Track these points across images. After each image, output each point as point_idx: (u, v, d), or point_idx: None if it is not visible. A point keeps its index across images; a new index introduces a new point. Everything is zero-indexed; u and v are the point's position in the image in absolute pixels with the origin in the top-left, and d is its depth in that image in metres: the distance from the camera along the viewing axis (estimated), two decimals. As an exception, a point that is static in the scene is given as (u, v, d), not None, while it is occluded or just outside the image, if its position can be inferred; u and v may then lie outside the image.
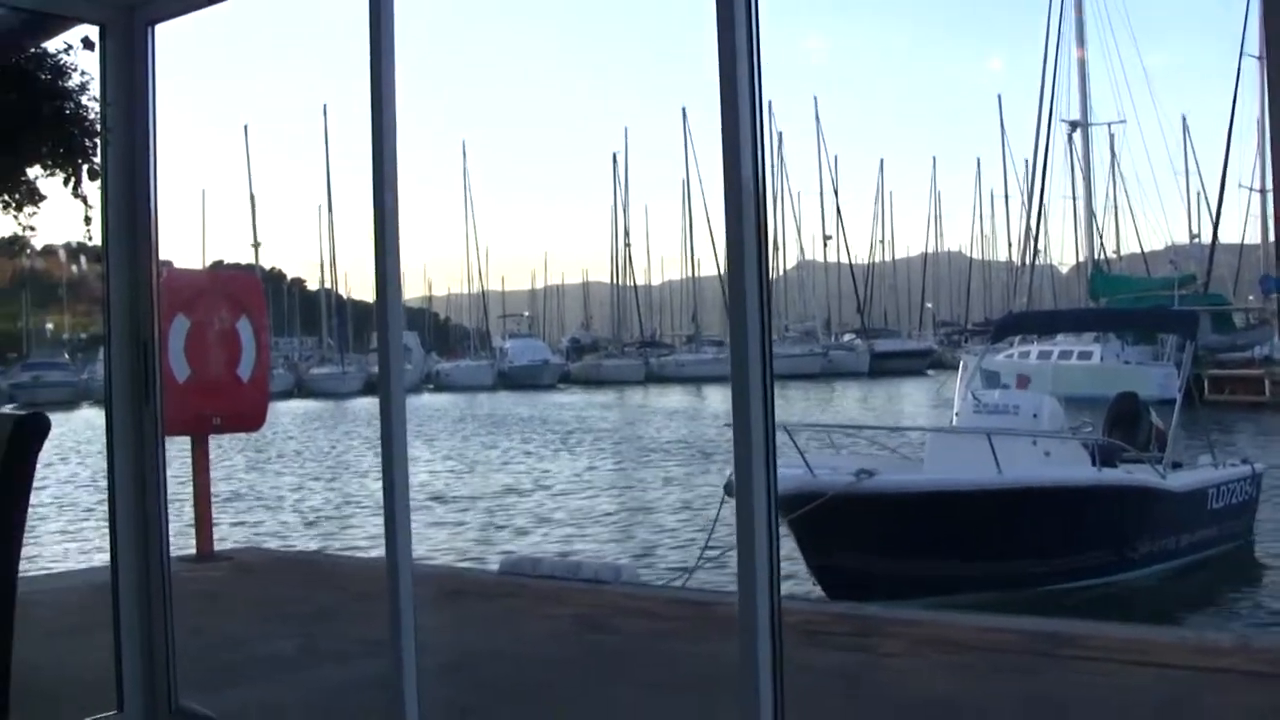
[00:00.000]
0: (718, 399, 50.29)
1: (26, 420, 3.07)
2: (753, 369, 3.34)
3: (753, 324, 3.34)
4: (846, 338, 79.89)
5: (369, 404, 53.48)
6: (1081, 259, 56.57)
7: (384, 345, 4.18)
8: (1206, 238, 56.88)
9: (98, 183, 4.67)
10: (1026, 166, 60.25)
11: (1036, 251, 59.04)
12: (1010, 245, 78.16)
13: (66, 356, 72.71)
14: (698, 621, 7.70)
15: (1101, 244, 57.21)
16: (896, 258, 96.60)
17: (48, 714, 4.90)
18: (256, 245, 75.11)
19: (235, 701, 5.52)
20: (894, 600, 10.59)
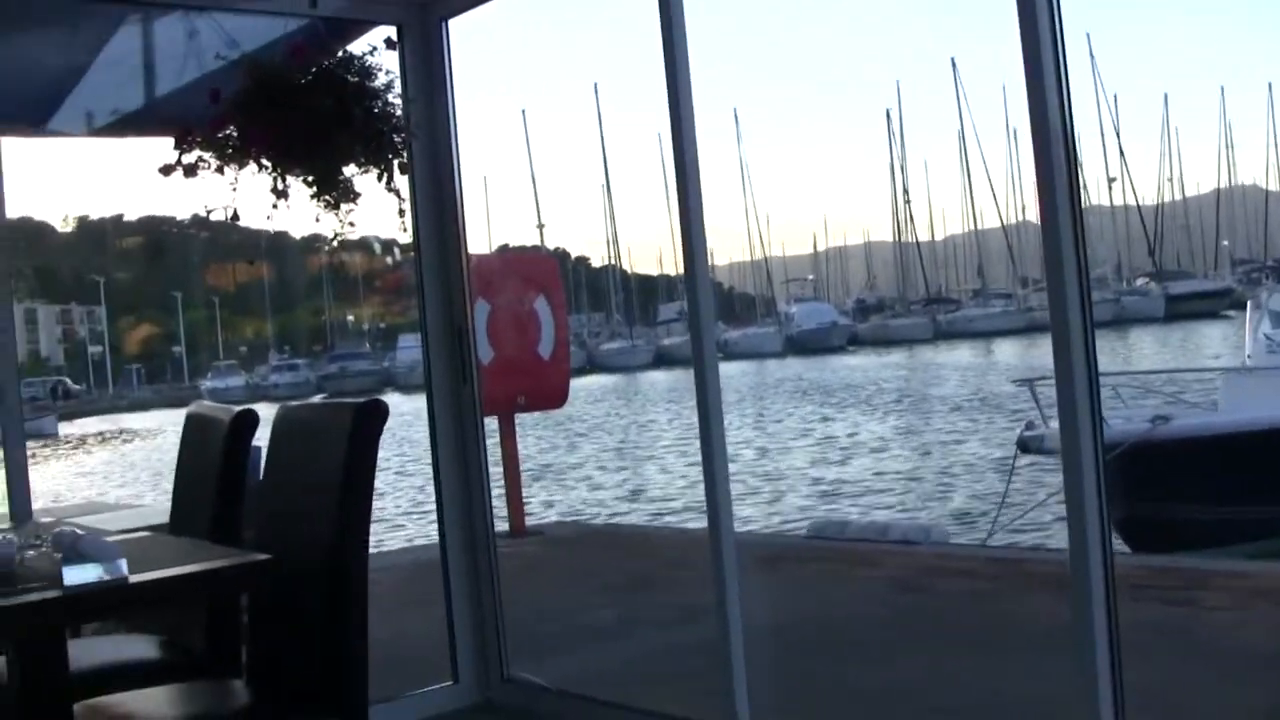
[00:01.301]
0: (1008, 353, 49.26)
1: (367, 406, 3.22)
2: (1073, 318, 3.27)
3: (1069, 272, 3.27)
4: (1139, 282, 77.06)
5: (659, 377, 54.12)
6: (1395, 179, 53.01)
7: (695, 318, 4.23)
8: None
9: (407, 177, 4.83)
10: (1325, 85, 56.68)
11: (1342, 175, 55.54)
12: (1312, 172, 73.82)
13: (368, 346, 75.51)
14: (1013, 579, 7.58)
15: None
16: (1187, 195, 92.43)
17: (390, 686, 5.11)
18: (541, 226, 76.73)
19: (562, 670, 5.66)
20: (1199, 548, 10.24)
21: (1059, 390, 3.30)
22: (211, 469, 3.92)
